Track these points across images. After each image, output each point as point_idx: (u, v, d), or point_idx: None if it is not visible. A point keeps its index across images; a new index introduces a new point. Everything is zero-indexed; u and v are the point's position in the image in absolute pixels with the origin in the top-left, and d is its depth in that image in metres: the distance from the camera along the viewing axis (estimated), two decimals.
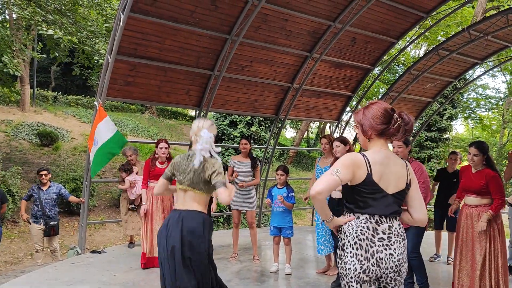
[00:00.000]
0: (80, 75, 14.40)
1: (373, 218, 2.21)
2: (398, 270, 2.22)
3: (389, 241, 2.21)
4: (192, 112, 32.73)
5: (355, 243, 2.19)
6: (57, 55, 12.37)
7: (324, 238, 5.26)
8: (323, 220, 2.71)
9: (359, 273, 2.17)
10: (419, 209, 2.33)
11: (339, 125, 10.26)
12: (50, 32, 9.80)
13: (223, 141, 13.92)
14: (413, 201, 2.33)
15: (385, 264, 2.18)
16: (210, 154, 2.94)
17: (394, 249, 2.21)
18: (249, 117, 14.28)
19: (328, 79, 9.08)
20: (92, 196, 10.85)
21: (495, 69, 18.38)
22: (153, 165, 5.50)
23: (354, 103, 10.68)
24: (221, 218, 12.57)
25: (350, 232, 2.23)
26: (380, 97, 11.92)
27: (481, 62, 9.47)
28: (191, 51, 7.10)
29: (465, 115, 24.40)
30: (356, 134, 4.87)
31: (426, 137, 17.22)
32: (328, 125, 30.09)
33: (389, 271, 2.20)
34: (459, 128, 37.80)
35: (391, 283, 2.24)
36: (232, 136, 14.08)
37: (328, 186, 2.12)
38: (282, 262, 5.57)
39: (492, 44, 8.63)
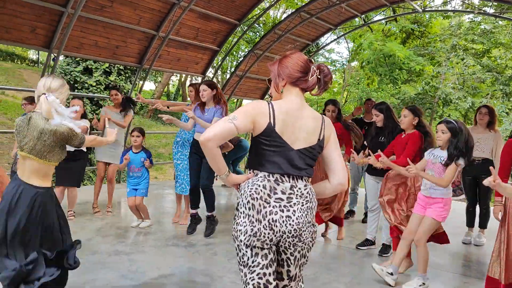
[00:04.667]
0: None
1: (272, 176, 1.98)
2: (298, 234, 1.97)
3: (288, 202, 1.96)
4: (33, 55, 28.64)
5: (248, 202, 1.96)
6: None
7: (183, 176, 5.34)
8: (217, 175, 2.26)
9: (250, 235, 1.94)
10: (338, 172, 2.08)
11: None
12: None
13: (76, 90, 12.57)
14: (331, 163, 2.09)
15: (280, 227, 1.94)
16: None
17: (294, 211, 1.96)
18: (107, 65, 13.12)
19: (196, 30, 8.79)
20: None
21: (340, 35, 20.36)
22: None
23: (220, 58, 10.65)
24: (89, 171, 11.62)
25: (244, 190, 1.99)
26: (245, 54, 12.14)
27: (334, 28, 10.32)
28: None
29: None
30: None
31: None
32: (189, 79, 29.76)
33: (287, 235, 1.96)
34: None
35: (290, 248, 2.01)
36: (86, 85, 12.80)
37: (219, 132, 1.87)
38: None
39: (345, 12, 9.44)
